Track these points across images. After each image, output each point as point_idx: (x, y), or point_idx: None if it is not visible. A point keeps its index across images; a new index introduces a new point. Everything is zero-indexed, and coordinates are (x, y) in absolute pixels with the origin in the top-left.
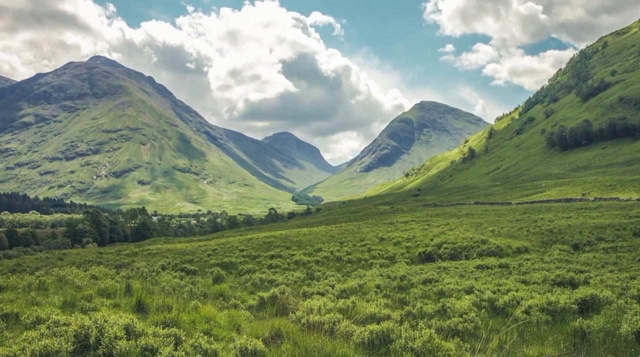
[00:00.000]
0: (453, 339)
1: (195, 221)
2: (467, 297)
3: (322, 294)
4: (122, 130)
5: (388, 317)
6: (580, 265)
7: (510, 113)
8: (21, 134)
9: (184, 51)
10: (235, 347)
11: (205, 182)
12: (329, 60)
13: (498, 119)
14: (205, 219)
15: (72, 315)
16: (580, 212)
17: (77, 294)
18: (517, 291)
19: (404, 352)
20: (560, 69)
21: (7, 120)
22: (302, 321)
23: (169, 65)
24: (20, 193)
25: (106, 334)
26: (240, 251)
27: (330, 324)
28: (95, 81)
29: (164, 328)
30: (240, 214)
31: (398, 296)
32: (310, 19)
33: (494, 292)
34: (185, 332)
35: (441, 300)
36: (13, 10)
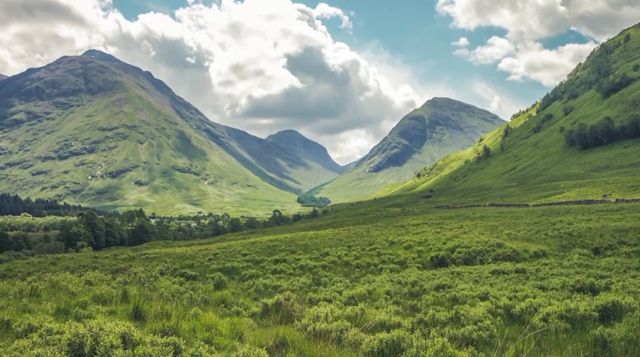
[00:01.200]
0: (467, 348)
1: (195, 224)
2: (481, 304)
3: (329, 301)
4: (119, 128)
5: (399, 325)
6: (601, 270)
7: (527, 110)
8: (12, 132)
9: (183, 45)
10: None
11: (206, 182)
12: (337, 54)
13: (514, 116)
14: (206, 222)
15: (66, 323)
16: (601, 214)
17: (71, 301)
18: (534, 297)
19: None
20: (580, 64)
21: None
22: (308, 329)
23: (167, 59)
24: (11, 194)
25: (102, 343)
26: (242, 255)
27: (338, 333)
28: (90, 76)
29: (162, 337)
30: (242, 217)
31: (409, 302)
32: (317, 11)
33: (510, 299)
34: (185, 341)
35: (454, 307)
36: (3, 1)
